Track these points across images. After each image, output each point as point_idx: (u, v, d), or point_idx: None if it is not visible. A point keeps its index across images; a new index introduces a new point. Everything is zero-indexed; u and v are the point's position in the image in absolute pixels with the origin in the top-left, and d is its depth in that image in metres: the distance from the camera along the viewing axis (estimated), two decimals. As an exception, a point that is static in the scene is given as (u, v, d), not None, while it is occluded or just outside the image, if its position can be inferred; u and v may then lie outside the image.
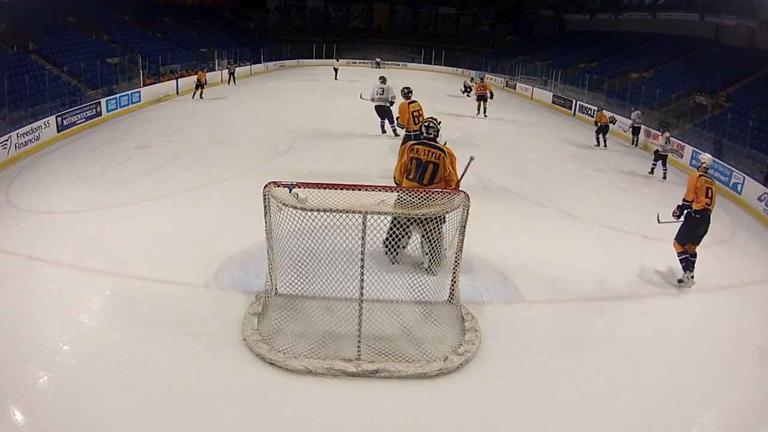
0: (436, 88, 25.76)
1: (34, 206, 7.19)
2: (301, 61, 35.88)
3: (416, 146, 5.34)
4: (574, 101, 19.88)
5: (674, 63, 21.20)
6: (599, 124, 13.41)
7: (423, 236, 5.27)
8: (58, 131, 11.61)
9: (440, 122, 5.77)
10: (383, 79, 12.37)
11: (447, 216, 4.42)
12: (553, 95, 22.06)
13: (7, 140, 9.64)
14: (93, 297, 4.95)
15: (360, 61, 37.72)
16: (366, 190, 4.07)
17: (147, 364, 3.94)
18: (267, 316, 4.49)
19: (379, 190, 4.15)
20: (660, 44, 23.83)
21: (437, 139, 5.57)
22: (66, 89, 14.10)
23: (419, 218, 4.40)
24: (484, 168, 10.31)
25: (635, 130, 14.15)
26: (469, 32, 42.10)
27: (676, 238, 5.90)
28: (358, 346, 4.07)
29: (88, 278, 5.23)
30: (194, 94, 17.92)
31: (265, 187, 4.16)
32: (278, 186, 4.16)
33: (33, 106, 12.11)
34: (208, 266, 5.45)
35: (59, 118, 11.73)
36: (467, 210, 4.28)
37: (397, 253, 5.45)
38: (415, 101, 9.72)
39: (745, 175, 9.85)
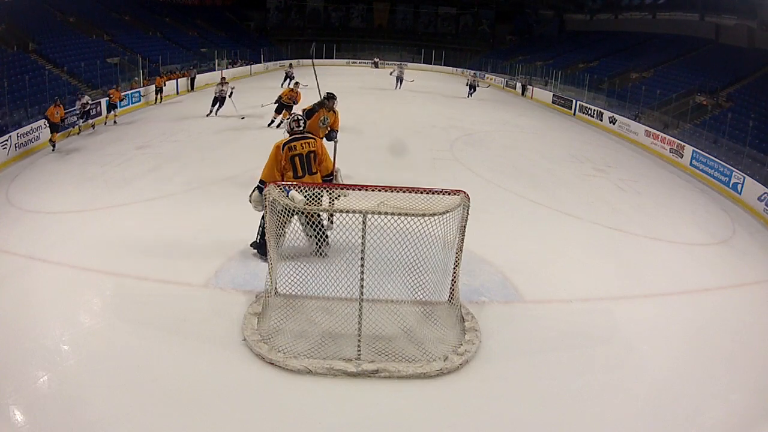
0: (432, 88, 25.75)
1: (34, 206, 7.18)
2: (301, 61, 35.85)
3: (292, 144, 5.35)
4: (574, 101, 19.87)
5: (674, 63, 21.21)
6: None
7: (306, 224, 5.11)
8: (59, 131, 11.56)
9: (303, 119, 5.76)
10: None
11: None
12: (553, 95, 22.06)
13: (7, 140, 9.63)
14: (93, 297, 4.94)
15: (360, 61, 37.73)
16: (366, 190, 4.07)
17: (147, 364, 3.94)
18: (267, 316, 4.49)
19: (379, 190, 4.15)
20: (660, 44, 23.85)
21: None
22: (66, 89, 14.09)
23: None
24: (484, 168, 10.35)
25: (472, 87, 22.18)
26: (469, 32, 42.10)
27: None
28: (358, 346, 4.07)
29: (88, 278, 5.22)
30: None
31: (265, 187, 4.16)
32: (279, 186, 4.16)
33: (33, 106, 12.10)
34: (208, 266, 5.45)
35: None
36: (467, 210, 4.28)
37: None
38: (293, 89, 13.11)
39: (745, 175, 9.85)
